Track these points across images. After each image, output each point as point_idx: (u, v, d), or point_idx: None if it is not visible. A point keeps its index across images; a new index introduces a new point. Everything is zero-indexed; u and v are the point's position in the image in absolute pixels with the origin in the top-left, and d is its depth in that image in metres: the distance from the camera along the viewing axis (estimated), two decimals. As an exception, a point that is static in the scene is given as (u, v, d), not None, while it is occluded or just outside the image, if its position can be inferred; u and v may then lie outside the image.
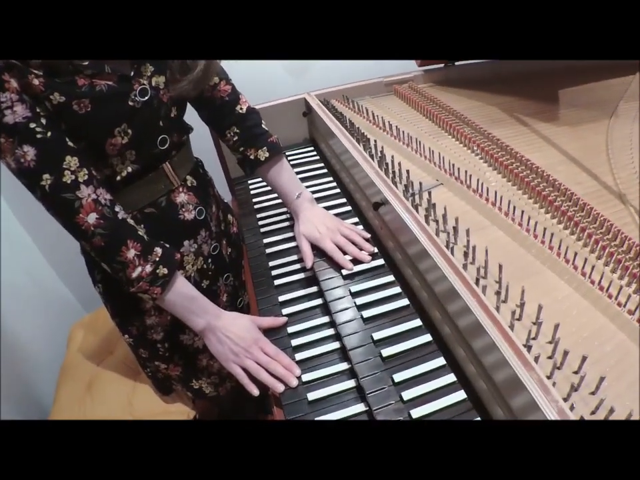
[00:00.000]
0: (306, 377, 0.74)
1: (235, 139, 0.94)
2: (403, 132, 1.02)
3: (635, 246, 0.73)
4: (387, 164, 0.91)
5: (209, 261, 0.93)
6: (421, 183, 0.87)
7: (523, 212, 0.79)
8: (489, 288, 0.68)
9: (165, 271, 0.74)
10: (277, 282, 0.91)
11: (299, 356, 0.77)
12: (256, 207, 1.14)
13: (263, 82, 1.03)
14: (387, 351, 0.72)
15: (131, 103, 0.72)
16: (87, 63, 0.66)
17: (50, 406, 1.23)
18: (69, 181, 0.66)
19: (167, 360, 0.95)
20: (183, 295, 0.77)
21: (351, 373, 0.73)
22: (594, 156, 0.98)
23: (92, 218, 0.68)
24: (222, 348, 0.78)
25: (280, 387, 0.72)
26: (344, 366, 0.74)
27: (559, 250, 0.73)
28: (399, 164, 0.91)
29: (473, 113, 1.10)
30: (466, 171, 0.88)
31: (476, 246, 0.73)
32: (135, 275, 0.71)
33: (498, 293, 0.67)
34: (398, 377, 0.69)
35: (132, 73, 0.72)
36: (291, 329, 0.81)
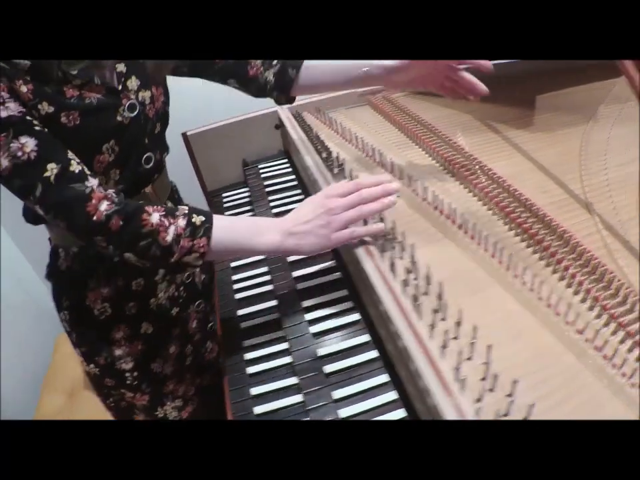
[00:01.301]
0: (255, 391, 0.71)
1: (261, 61, 0.84)
2: (367, 143, 0.99)
3: (593, 259, 0.69)
4: (345, 177, 0.88)
5: (181, 288, 0.91)
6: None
7: (475, 224, 0.75)
8: (429, 305, 0.64)
9: (202, 217, 0.63)
10: (237, 296, 0.88)
11: (251, 369, 0.74)
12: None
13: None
14: (330, 367, 0.70)
15: (119, 118, 0.68)
16: (75, 72, 0.63)
17: (32, 416, 1.24)
18: (76, 171, 0.60)
19: (134, 389, 0.90)
20: (235, 228, 0.66)
21: (299, 388, 0.71)
22: (567, 162, 0.93)
23: (103, 205, 0.60)
24: (313, 238, 0.65)
25: (391, 199, 0.68)
26: (293, 380, 0.72)
27: (510, 264, 0.69)
28: (356, 177, 0.88)
29: (445, 121, 1.07)
30: (421, 182, 0.85)
31: (418, 261, 0.69)
32: (169, 237, 0.61)
33: (436, 311, 0.63)
34: (338, 394, 0.67)
35: (120, 87, 0.69)
36: (247, 343, 0.79)
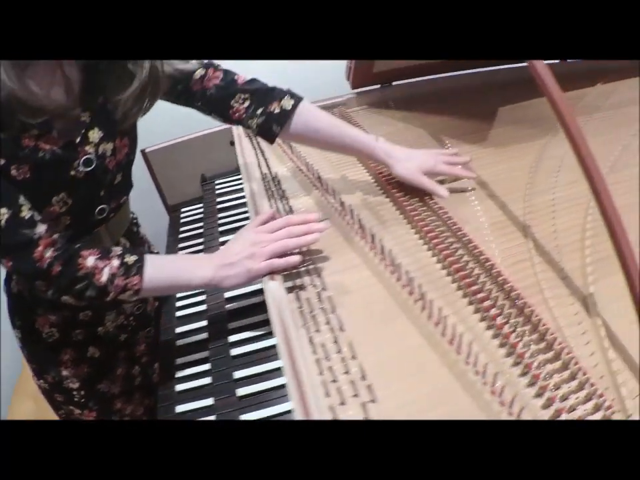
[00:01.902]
0: (180, 409, 0.68)
1: (246, 105, 0.79)
2: (308, 162, 0.94)
3: (513, 290, 0.62)
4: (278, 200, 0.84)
5: (130, 318, 0.89)
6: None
7: (391, 250, 0.69)
8: (328, 335, 0.59)
9: (134, 257, 0.65)
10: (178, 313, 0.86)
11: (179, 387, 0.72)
12: (180, 236, 1.10)
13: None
14: (243, 390, 0.67)
15: (72, 173, 0.66)
16: (35, 122, 0.61)
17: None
18: (27, 217, 0.61)
19: (82, 406, 0.90)
20: (166, 266, 0.69)
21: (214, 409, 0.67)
22: (516, 179, 0.86)
23: (49, 252, 0.62)
24: (238, 269, 0.67)
25: (315, 236, 0.69)
26: (210, 402, 0.69)
27: (423, 293, 0.63)
28: (285, 199, 0.84)
29: (393, 137, 1.00)
30: (349, 204, 0.79)
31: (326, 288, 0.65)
32: (104, 277, 0.63)
33: (335, 342, 0.58)
34: (245, 417, 0.64)
35: (79, 139, 0.66)
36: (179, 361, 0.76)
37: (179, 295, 0.89)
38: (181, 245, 1.06)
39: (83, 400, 0.88)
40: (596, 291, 0.63)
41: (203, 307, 0.86)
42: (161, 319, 0.95)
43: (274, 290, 0.66)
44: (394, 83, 1.19)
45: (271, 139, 0.82)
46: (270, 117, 0.78)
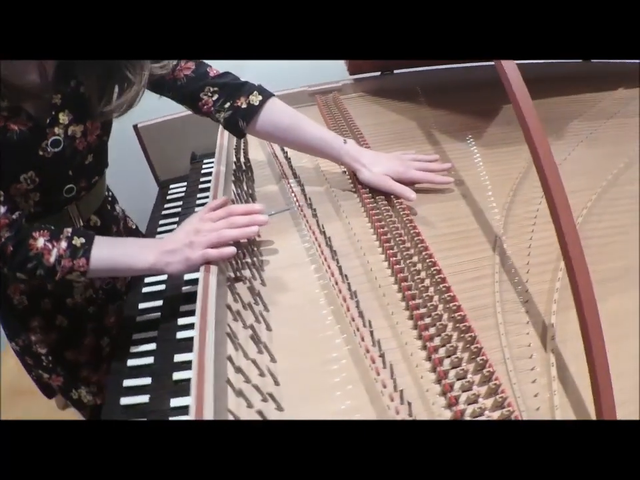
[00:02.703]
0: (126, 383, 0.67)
1: (214, 99, 0.76)
2: (284, 149, 0.87)
3: (459, 311, 0.53)
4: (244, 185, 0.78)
5: (100, 292, 0.89)
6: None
7: (335, 251, 0.62)
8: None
9: (82, 239, 0.65)
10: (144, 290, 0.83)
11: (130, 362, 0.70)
12: (163, 212, 1.06)
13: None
14: (178, 375, 0.64)
15: (41, 153, 0.67)
16: (5, 104, 0.61)
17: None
18: None
19: (50, 371, 0.92)
20: (112, 250, 0.67)
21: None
22: (500, 185, 0.76)
23: (4, 232, 0.63)
24: (178, 257, 0.65)
25: (253, 229, 0.65)
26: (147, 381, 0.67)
27: (356, 302, 0.56)
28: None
29: (380, 128, 0.92)
30: (309, 197, 0.72)
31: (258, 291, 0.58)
32: (52, 258, 0.64)
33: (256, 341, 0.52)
34: (175, 402, 0.61)
35: (48, 120, 0.66)
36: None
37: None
38: (161, 222, 1.04)
39: (50, 365, 0.90)
40: (558, 323, 0.54)
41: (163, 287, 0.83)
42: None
43: (204, 280, 0.60)
44: (395, 71, 1.10)
45: (237, 134, 0.79)
46: (237, 112, 0.75)
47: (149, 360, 0.70)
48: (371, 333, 0.51)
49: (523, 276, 0.60)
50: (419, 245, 0.61)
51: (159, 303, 0.79)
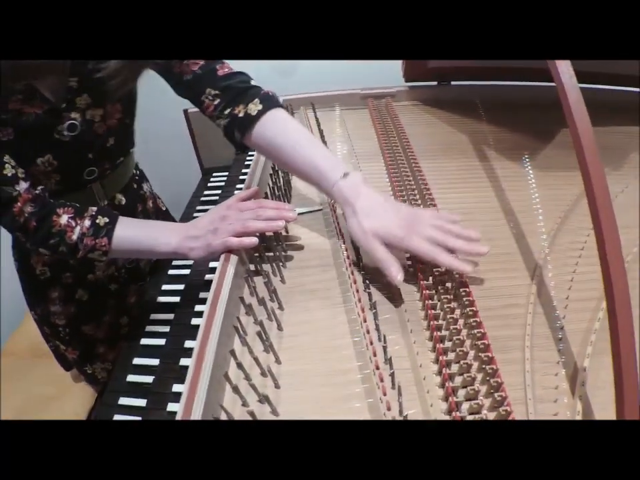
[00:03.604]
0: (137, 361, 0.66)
1: (216, 103, 0.68)
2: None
3: (483, 339, 0.48)
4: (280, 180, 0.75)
5: (122, 271, 0.88)
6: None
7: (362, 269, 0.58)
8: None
9: (106, 219, 0.64)
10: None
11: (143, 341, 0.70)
12: (202, 199, 1.06)
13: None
14: (185, 361, 0.62)
15: (57, 136, 0.65)
16: (19, 86, 0.60)
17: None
18: (9, 174, 0.61)
19: (66, 343, 0.91)
20: (136, 231, 0.65)
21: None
22: (548, 210, 0.70)
23: (28, 207, 0.62)
24: (201, 243, 0.62)
25: (279, 223, 0.61)
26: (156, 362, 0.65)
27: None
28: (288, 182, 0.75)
29: (431, 139, 0.88)
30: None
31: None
32: (75, 235, 0.63)
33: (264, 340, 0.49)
34: (176, 388, 0.59)
35: (64, 105, 0.64)
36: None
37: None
38: (198, 208, 1.03)
39: (67, 337, 0.89)
40: (591, 368, 0.48)
41: (188, 271, 0.82)
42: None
43: (222, 268, 0.58)
44: (453, 83, 1.04)
45: (235, 145, 0.71)
46: (233, 121, 0.67)
47: (161, 342, 0.68)
48: (384, 348, 0.47)
49: (560, 311, 0.54)
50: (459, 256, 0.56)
51: (181, 287, 0.78)
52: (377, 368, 0.46)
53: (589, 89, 0.95)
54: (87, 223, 0.63)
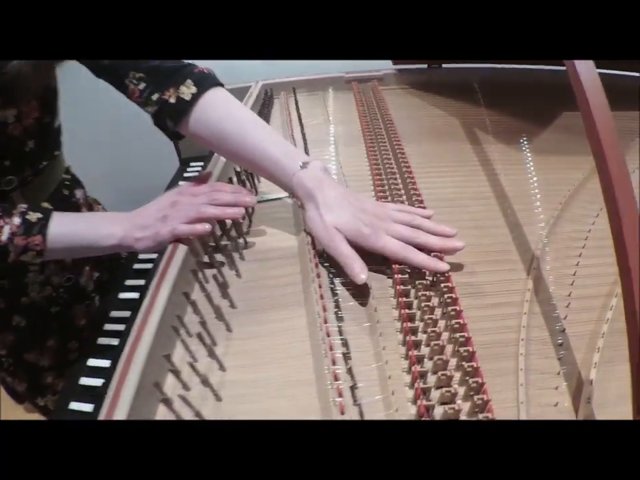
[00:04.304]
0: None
1: (141, 87, 0.58)
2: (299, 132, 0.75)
3: (466, 345, 0.39)
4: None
5: (60, 290, 0.78)
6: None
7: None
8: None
9: (38, 214, 0.56)
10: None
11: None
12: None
13: (233, 66, 0.85)
14: None
15: None
16: None
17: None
18: None
19: (12, 374, 0.82)
20: (73, 224, 0.57)
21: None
22: (549, 196, 0.61)
23: None
24: (148, 232, 0.54)
25: (236, 210, 0.53)
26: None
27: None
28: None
29: (417, 122, 0.79)
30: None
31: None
32: (4, 237, 0.54)
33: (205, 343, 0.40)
34: None
35: None
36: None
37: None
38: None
39: (11, 368, 0.80)
40: (598, 380, 0.39)
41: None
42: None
43: (169, 255, 0.50)
44: (444, 65, 0.95)
45: (169, 136, 0.61)
46: (164, 108, 0.57)
47: (115, 342, 0.59)
48: (345, 356, 0.38)
49: (561, 311, 0.45)
50: (432, 254, 0.47)
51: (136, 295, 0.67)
52: (336, 379, 0.37)
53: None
54: (17, 220, 0.54)
